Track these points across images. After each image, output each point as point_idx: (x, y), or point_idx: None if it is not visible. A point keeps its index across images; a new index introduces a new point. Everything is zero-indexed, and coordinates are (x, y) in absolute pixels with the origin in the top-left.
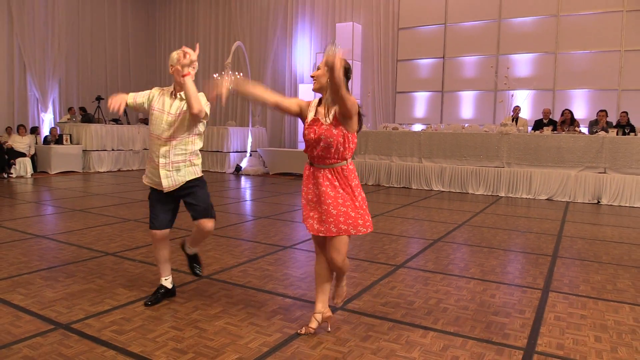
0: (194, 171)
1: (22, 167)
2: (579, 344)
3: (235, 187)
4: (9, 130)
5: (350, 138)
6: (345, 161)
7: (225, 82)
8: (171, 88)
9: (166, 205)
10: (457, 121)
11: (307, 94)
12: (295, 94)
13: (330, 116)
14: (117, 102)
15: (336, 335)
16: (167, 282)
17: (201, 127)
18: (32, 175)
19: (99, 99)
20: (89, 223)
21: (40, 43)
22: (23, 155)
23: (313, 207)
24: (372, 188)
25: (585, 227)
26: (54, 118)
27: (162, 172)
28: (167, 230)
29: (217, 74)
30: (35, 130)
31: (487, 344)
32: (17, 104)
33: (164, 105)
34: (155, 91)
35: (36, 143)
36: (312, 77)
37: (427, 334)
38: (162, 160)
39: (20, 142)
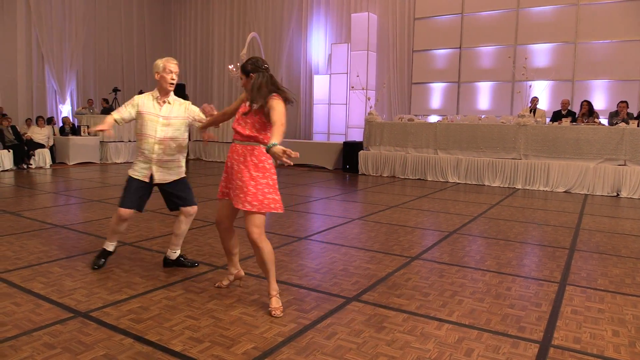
0: (180, 172)
1: (41, 158)
2: (596, 338)
3: None
4: (28, 122)
5: (266, 126)
6: (258, 144)
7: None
8: (156, 93)
9: (143, 191)
10: (473, 112)
11: (322, 84)
12: (310, 84)
13: (255, 106)
14: (106, 127)
15: (351, 326)
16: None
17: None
18: (50, 166)
19: (115, 90)
20: (107, 213)
21: (57, 34)
22: (42, 146)
23: (228, 179)
24: (387, 179)
25: (603, 220)
26: (72, 109)
27: (154, 167)
28: (133, 211)
29: (232, 65)
30: (51, 121)
31: (503, 337)
32: (36, 96)
33: (153, 109)
34: (139, 98)
35: (54, 134)
36: (243, 86)
37: (442, 326)
38: (154, 157)
39: (39, 134)
